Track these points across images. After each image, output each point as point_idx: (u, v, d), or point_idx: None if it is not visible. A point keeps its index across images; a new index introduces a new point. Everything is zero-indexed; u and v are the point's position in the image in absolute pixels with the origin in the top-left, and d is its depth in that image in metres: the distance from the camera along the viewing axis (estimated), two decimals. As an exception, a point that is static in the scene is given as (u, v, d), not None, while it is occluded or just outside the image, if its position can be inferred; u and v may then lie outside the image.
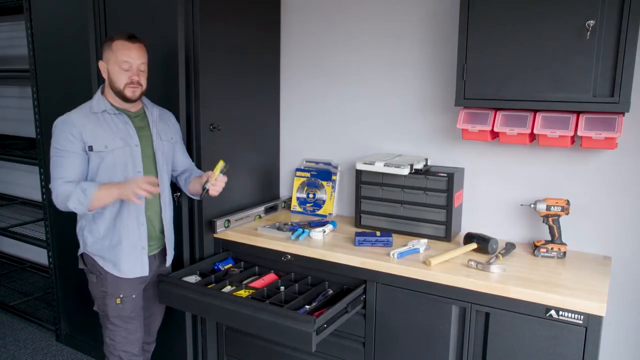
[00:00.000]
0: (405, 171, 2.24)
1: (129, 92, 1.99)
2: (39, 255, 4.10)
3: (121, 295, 2.07)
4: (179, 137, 2.24)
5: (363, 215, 2.46)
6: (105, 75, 2.01)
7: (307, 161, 2.85)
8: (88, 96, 2.50)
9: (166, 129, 2.16)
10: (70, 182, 1.92)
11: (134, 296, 2.10)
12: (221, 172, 2.05)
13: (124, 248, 2.04)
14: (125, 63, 1.95)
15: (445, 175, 2.25)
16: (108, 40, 1.99)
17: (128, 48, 1.96)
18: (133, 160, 2.02)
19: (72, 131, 1.93)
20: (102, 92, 2.05)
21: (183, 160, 2.25)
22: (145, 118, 2.11)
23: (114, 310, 2.07)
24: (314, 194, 2.76)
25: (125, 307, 2.08)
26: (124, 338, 2.10)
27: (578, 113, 1.96)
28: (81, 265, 2.14)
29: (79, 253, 2.13)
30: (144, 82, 2.03)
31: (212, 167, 2.06)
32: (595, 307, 1.67)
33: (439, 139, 2.45)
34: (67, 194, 1.90)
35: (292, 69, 2.82)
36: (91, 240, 2.05)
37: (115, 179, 1.98)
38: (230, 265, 2.37)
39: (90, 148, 1.94)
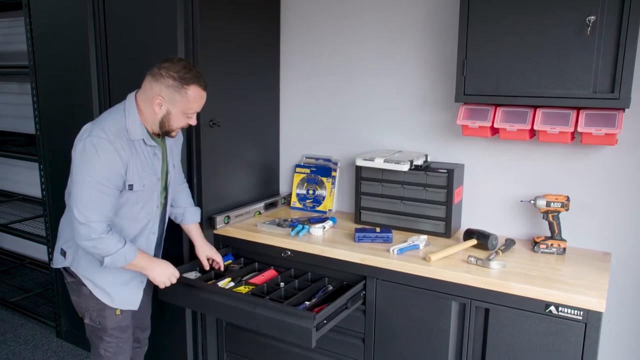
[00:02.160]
0: (405, 167, 2.23)
1: (174, 134, 1.88)
2: (39, 252, 4.11)
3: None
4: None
5: (363, 211, 2.46)
6: (158, 111, 1.79)
7: (306, 157, 2.85)
8: (87, 93, 2.52)
9: (177, 153, 2.08)
10: (110, 226, 1.77)
11: None
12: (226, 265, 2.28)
13: (123, 281, 1.96)
14: (194, 113, 1.84)
15: (445, 171, 2.25)
16: (179, 81, 1.75)
17: (203, 98, 1.82)
18: (157, 194, 1.95)
19: (119, 166, 1.75)
20: (138, 114, 1.82)
21: (176, 175, 2.14)
22: (165, 146, 1.99)
23: (114, 322, 1.97)
24: (314, 190, 2.76)
25: (125, 317, 2.01)
26: (120, 348, 2.02)
27: (578, 109, 1.96)
28: (69, 279, 1.96)
29: (62, 266, 1.96)
30: None
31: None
32: (594, 303, 1.67)
33: (439, 135, 2.45)
34: (108, 249, 1.75)
35: (291, 65, 2.81)
36: (86, 263, 1.90)
37: (138, 214, 1.90)
38: (230, 261, 2.37)
39: (130, 187, 1.80)
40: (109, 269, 1.88)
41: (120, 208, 1.84)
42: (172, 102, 1.78)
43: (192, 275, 2.23)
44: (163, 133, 1.88)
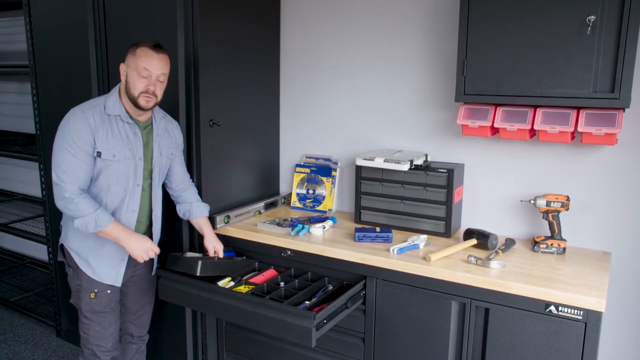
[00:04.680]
0: (405, 167, 2.23)
1: (142, 101, 1.95)
2: (39, 251, 4.11)
3: (96, 290, 2.08)
4: (180, 151, 2.23)
5: (363, 211, 2.46)
6: (123, 79, 1.98)
7: (306, 157, 2.85)
8: (87, 92, 2.52)
9: (168, 144, 2.14)
10: (83, 190, 1.92)
11: (109, 291, 2.10)
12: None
13: (105, 253, 2.06)
14: (145, 71, 1.92)
15: (445, 171, 2.25)
16: (133, 46, 1.95)
17: (151, 56, 1.92)
18: (135, 173, 2.03)
19: (87, 131, 1.91)
20: (119, 94, 2.01)
21: (178, 174, 2.24)
22: (152, 131, 2.09)
23: (88, 304, 2.08)
24: (314, 190, 2.76)
25: (99, 302, 2.09)
26: (97, 332, 2.11)
27: (578, 109, 1.96)
28: (60, 258, 2.14)
29: (59, 243, 2.13)
30: (160, 93, 1.98)
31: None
32: (594, 302, 1.67)
33: (439, 135, 2.45)
34: (79, 210, 1.89)
35: (291, 64, 2.81)
36: (73, 234, 2.05)
37: (113, 186, 2.00)
38: (232, 257, 2.37)
39: (99, 154, 1.94)
40: (90, 239, 2.02)
41: (97, 177, 1.97)
42: (128, 64, 1.96)
43: (196, 254, 2.28)
44: (133, 104, 1.96)
